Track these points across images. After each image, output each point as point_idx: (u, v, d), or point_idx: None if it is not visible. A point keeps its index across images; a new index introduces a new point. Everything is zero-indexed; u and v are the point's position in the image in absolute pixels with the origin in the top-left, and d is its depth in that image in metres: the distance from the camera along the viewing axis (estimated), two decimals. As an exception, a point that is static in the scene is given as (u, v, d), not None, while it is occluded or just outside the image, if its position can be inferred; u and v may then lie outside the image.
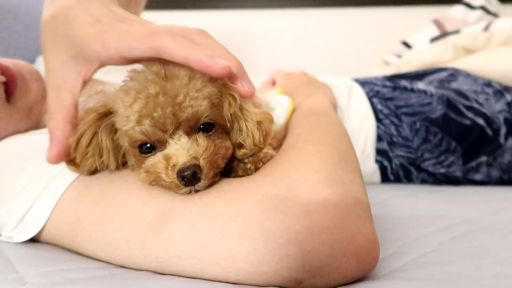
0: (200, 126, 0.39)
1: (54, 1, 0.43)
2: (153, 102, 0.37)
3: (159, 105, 0.37)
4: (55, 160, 0.41)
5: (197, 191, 0.39)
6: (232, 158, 0.44)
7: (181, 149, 0.38)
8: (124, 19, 0.41)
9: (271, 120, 0.44)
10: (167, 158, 0.38)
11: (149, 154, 0.39)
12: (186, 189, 0.38)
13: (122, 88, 0.39)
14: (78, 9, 0.41)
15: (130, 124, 0.38)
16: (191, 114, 0.38)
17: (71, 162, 0.42)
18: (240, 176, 0.44)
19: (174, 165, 0.37)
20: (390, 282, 0.38)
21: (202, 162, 0.38)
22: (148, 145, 0.39)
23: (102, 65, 0.40)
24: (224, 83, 0.41)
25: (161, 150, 0.39)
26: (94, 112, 0.40)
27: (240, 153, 0.43)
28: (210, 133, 0.40)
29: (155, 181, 0.39)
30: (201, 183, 0.38)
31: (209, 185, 0.40)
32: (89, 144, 0.41)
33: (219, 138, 0.41)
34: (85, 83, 0.41)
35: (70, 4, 0.42)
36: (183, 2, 1.69)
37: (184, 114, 0.38)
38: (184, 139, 0.38)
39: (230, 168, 0.44)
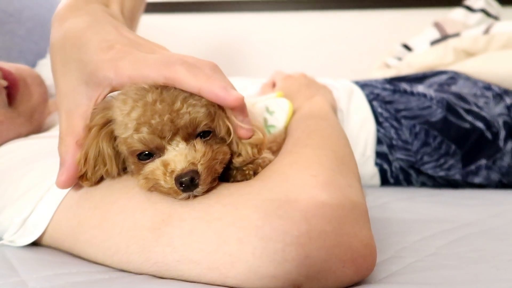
0: (198, 134, 0.40)
1: (63, 22, 0.44)
2: (150, 109, 0.37)
3: (157, 112, 0.37)
4: (65, 185, 0.42)
5: (195, 196, 0.39)
6: (231, 163, 0.44)
7: (179, 155, 0.38)
8: (136, 44, 0.42)
9: (264, 143, 0.44)
10: (165, 165, 0.38)
11: (147, 161, 0.40)
12: (185, 194, 0.39)
13: (119, 97, 0.40)
14: (89, 33, 0.42)
15: (128, 132, 0.38)
16: (189, 121, 0.38)
17: (82, 177, 0.43)
18: (239, 181, 0.44)
19: (172, 171, 0.38)
20: (387, 286, 0.38)
21: (200, 167, 0.38)
22: (147, 152, 0.39)
23: (113, 90, 0.41)
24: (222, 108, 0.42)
25: (160, 157, 0.39)
26: (96, 125, 0.41)
27: (238, 160, 0.43)
28: (208, 138, 0.40)
29: (154, 187, 0.40)
30: (199, 189, 0.39)
31: (208, 190, 0.40)
32: (97, 157, 0.42)
33: (216, 144, 0.41)
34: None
35: (80, 26, 0.42)
36: (184, 6, 1.69)
37: (182, 121, 0.38)
38: (182, 145, 0.39)
39: (228, 173, 0.45)
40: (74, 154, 0.41)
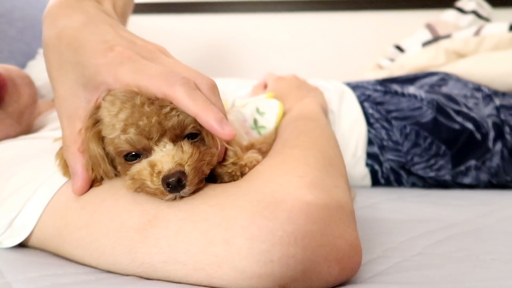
0: (185, 136, 0.40)
1: (55, 20, 0.43)
2: (138, 111, 0.38)
3: (145, 114, 0.38)
4: (81, 192, 0.43)
5: (182, 197, 0.40)
6: (217, 165, 0.44)
7: (166, 156, 0.38)
8: (135, 45, 0.41)
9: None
10: (152, 165, 0.38)
11: (134, 162, 0.40)
12: (171, 195, 0.39)
13: (108, 98, 0.40)
14: (85, 33, 0.41)
15: (116, 132, 0.38)
16: (177, 123, 0.38)
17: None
18: (226, 182, 0.44)
19: (159, 172, 0.38)
20: (372, 286, 0.38)
21: (187, 168, 0.38)
22: (133, 153, 0.40)
23: (110, 92, 0.41)
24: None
25: (147, 157, 0.39)
26: (86, 127, 0.41)
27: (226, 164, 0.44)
28: (195, 139, 0.41)
29: (140, 188, 0.40)
30: (186, 190, 0.39)
31: (194, 192, 0.40)
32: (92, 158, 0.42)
33: (204, 145, 0.41)
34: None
35: (75, 26, 0.42)
36: (177, 7, 1.69)
37: (170, 122, 0.38)
38: (169, 146, 0.39)
39: (215, 174, 0.45)
40: (81, 160, 0.41)
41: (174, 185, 0.37)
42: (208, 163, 0.41)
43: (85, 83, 0.40)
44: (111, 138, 0.39)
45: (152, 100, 0.38)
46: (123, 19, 0.57)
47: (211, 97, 0.40)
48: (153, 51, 0.42)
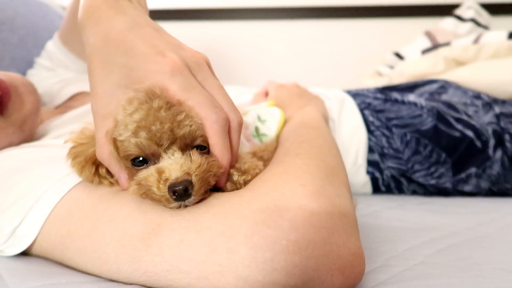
0: (194, 146, 0.40)
1: (98, 22, 0.44)
2: (153, 115, 0.38)
3: (159, 119, 0.38)
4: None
5: (186, 206, 0.40)
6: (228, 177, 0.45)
7: (174, 164, 0.38)
8: (183, 52, 0.42)
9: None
10: (160, 172, 0.38)
11: (141, 167, 0.40)
12: (176, 203, 0.39)
13: (128, 95, 0.40)
14: (132, 36, 0.42)
15: (127, 133, 0.38)
16: (188, 132, 0.39)
17: None
18: (229, 190, 0.45)
19: (166, 179, 0.38)
20: (375, 295, 0.38)
21: (194, 178, 0.38)
22: (141, 158, 0.40)
23: (133, 88, 0.41)
24: None
25: (154, 164, 0.40)
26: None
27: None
28: (204, 151, 0.41)
29: (145, 194, 0.40)
30: (191, 199, 0.39)
31: (198, 201, 0.40)
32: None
33: (211, 156, 0.41)
34: None
35: (120, 29, 0.42)
36: (177, 14, 1.70)
37: (181, 131, 0.39)
38: (178, 154, 0.39)
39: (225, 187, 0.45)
40: (116, 160, 0.42)
41: (180, 193, 0.38)
42: (214, 174, 0.41)
43: (128, 84, 0.40)
44: (121, 140, 0.39)
45: (169, 105, 0.39)
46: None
47: (234, 135, 0.43)
48: (201, 63, 0.43)
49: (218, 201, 0.41)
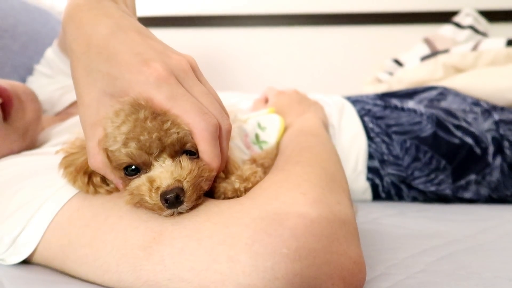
0: (184, 152, 0.41)
1: (80, 25, 0.42)
2: (140, 126, 0.38)
3: (146, 129, 0.38)
4: None
5: (180, 213, 0.40)
6: (216, 179, 0.45)
7: (165, 172, 0.38)
8: (167, 59, 0.41)
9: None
10: (151, 181, 0.39)
11: (134, 176, 0.40)
12: (169, 211, 0.39)
13: (114, 109, 0.40)
14: (115, 42, 0.40)
15: (117, 145, 0.39)
16: (176, 139, 0.39)
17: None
18: (229, 198, 0.45)
19: (158, 188, 0.38)
20: (376, 304, 0.38)
21: (185, 185, 0.38)
22: (133, 167, 0.40)
23: (119, 100, 0.40)
24: None
25: (146, 172, 0.40)
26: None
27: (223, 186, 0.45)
28: (194, 156, 0.41)
29: (139, 203, 0.40)
30: (184, 206, 0.39)
31: (193, 207, 0.41)
32: None
33: (202, 161, 0.41)
34: None
35: (103, 33, 0.41)
36: (174, 20, 1.70)
37: (169, 139, 0.39)
38: (168, 162, 0.39)
39: (216, 190, 0.45)
40: (110, 169, 0.41)
41: (172, 201, 0.38)
42: (206, 179, 0.41)
43: (113, 92, 0.40)
44: (112, 151, 0.39)
45: (155, 115, 0.39)
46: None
47: (224, 141, 0.42)
48: (186, 70, 0.42)
49: (219, 209, 0.41)
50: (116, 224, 0.41)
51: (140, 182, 0.39)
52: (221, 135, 0.42)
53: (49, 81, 0.96)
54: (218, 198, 0.45)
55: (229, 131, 0.43)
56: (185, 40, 1.69)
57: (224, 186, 0.45)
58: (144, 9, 1.69)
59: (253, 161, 0.56)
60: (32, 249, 0.44)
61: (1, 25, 0.97)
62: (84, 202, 0.44)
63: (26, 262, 0.46)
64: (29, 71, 1.01)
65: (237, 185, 0.45)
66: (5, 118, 0.62)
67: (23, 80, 0.99)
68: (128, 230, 0.40)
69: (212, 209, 0.41)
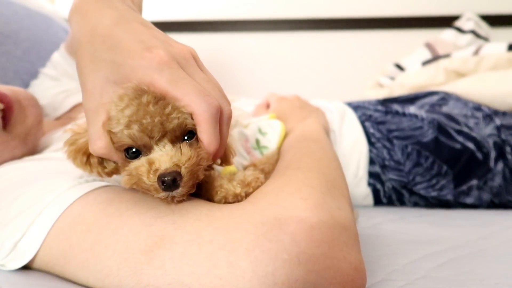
0: (184, 137, 0.41)
1: (85, 16, 0.44)
2: (143, 110, 0.39)
3: (149, 113, 0.39)
4: None
5: (174, 197, 0.41)
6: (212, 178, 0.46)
7: (164, 156, 0.39)
8: (170, 48, 0.41)
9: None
10: (150, 163, 0.39)
11: (134, 159, 0.41)
12: (164, 193, 0.40)
13: (118, 94, 0.40)
14: (119, 31, 0.41)
15: (120, 127, 0.39)
16: (177, 125, 0.40)
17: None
18: (230, 203, 0.45)
19: (156, 170, 0.39)
20: (377, 310, 0.38)
21: (183, 170, 0.39)
22: (134, 149, 0.41)
23: (122, 86, 0.41)
24: None
25: (146, 156, 0.40)
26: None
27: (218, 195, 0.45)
28: (192, 140, 0.42)
29: (136, 184, 0.41)
30: (179, 190, 0.40)
31: (183, 201, 0.42)
32: None
33: (201, 148, 0.41)
34: None
35: (107, 23, 0.42)
36: (178, 25, 1.71)
37: (171, 125, 0.39)
38: (168, 146, 0.40)
39: (210, 187, 0.46)
40: (114, 152, 0.41)
41: (169, 184, 0.38)
42: (203, 168, 0.42)
43: (117, 80, 0.40)
44: (115, 132, 0.40)
45: (157, 100, 0.39)
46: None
47: (224, 126, 0.42)
48: (187, 58, 0.43)
49: (221, 213, 0.41)
50: (118, 229, 0.41)
51: (139, 163, 0.40)
52: (222, 120, 0.42)
53: (53, 83, 0.96)
54: (219, 202, 0.45)
55: (229, 117, 0.43)
56: (188, 45, 1.70)
57: (225, 189, 0.45)
58: (149, 14, 1.70)
59: (254, 166, 0.56)
60: (33, 254, 0.44)
61: (4, 31, 0.98)
62: (85, 207, 0.45)
63: (26, 267, 0.46)
64: (32, 76, 1.02)
65: (238, 190, 0.45)
66: (6, 123, 0.62)
67: (26, 85, 1.00)
68: (130, 234, 0.40)
69: (214, 214, 0.41)
